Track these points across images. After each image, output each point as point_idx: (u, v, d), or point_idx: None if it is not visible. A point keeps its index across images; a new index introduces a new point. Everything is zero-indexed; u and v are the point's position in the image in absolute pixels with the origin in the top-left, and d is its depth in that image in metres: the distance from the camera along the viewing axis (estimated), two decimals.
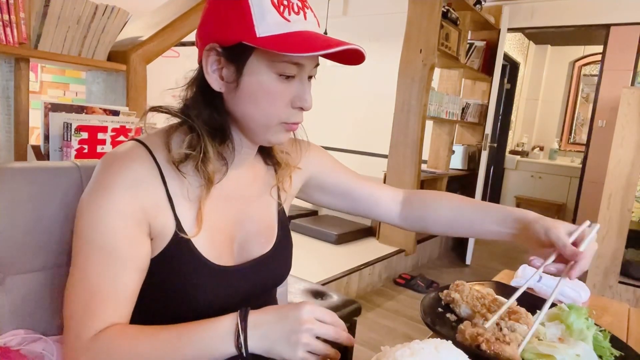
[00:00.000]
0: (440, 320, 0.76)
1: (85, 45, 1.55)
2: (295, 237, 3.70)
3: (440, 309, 0.80)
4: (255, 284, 0.72)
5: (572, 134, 5.56)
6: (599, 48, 3.96)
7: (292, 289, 1.66)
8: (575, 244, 0.69)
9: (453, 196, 0.88)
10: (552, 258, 0.70)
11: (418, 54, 3.15)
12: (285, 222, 0.79)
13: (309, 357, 0.56)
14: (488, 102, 3.83)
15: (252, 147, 0.71)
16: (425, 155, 3.66)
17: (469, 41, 3.87)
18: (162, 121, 0.68)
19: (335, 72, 4.40)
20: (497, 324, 0.67)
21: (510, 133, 5.45)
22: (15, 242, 0.69)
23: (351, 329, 1.61)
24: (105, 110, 1.29)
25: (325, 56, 0.60)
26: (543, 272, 0.71)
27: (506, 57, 4.64)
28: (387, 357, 0.51)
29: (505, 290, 0.89)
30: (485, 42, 3.94)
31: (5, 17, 1.31)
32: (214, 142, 0.65)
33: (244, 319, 0.57)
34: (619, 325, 0.95)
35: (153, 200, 0.61)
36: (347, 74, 4.42)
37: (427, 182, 3.67)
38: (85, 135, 1.18)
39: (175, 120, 0.67)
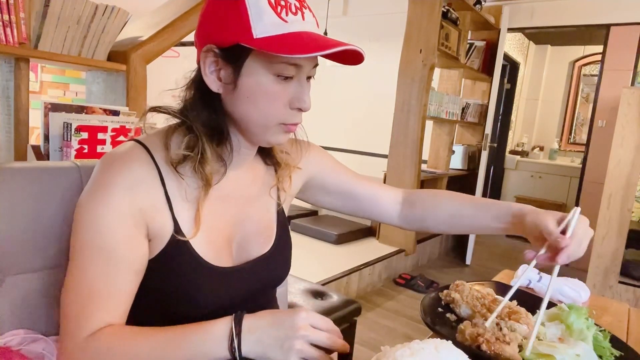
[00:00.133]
0: (440, 320, 0.76)
1: (85, 45, 1.55)
2: (295, 237, 3.68)
3: (440, 309, 0.80)
4: (254, 284, 0.72)
5: (572, 134, 5.56)
6: (599, 48, 3.96)
7: (292, 289, 1.66)
8: (564, 232, 0.69)
9: (452, 194, 0.88)
10: (543, 249, 0.70)
11: (418, 54, 3.15)
12: (284, 222, 0.79)
13: None
14: (488, 102, 3.83)
15: (251, 147, 0.71)
16: (425, 155, 3.66)
17: (469, 41, 3.87)
18: (162, 121, 0.68)
19: (335, 72, 4.40)
20: (497, 324, 0.67)
21: (510, 133, 5.45)
22: (16, 242, 0.69)
23: (351, 329, 1.61)
24: (105, 110, 1.29)
25: (324, 56, 0.60)
26: (537, 262, 0.70)
27: (506, 57, 4.64)
28: (387, 357, 0.51)
29: (505, 290, 0.88)
30: (485, 42, 3.94)
31: (5, 17, 1.31)
32: (212, 143, 0.64)
33: (238, 323, 0.57)
34: (619, 325, 0.95)
35: (151, 202, 0.61)
36: (347, 74, 4.42)
37: (427, 182, 3.66)
38: (85, 135, 1.18)
39: (175, 121, 0.67)
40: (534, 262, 0.70)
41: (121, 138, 1.26)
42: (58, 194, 0.71)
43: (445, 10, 3.24)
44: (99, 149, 1.22)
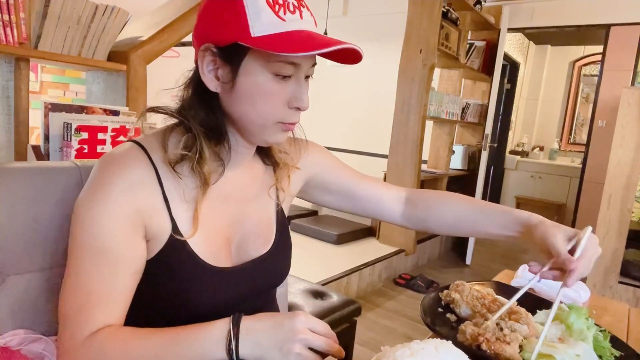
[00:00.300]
0: (440, 320, 0.76)
1: (85, 45, 1.55)
2: (295, 237, 3.68)
3: (440, 309, 0.80)
4: (254, 284, 0.72)
5: (572, 134, 5.56)
6: (599, 48, 3.96)
7: (292, 289, 1.66)
8: (573, 250, 0.68)
9: (456, 197, 0.87)
10: (550, 264, 0.69)
11: (418, 54, 3.15)
12: (284, 223, 0.79)
13: None
14: (488, 102, 3.83)
15: (249, 147, 0.70)
16: (425, 155, 3.67)
17: (469, 41, 3.87)
18: (161, 121, 0.68)
19: (335, 72, 4.40)
20: (497, 324, 0.67)
21: (510, 133, 5.45)
22: (16, 242, 0.69)
23: (351, 329, 1.61)
24: (105, 110, 1.29)
25: (322, 55, 0.60)
26: (541, 277, 0.70)
27: (506, 57, 4.64)
28: (387, 357, 0.51)
29: (505, 290, 0.89)
30: (485, 42, 3.94)
31: (5, 17, 1.31)
32: (210, 142, 0.64)
33: (236, 325, 0.57)
34: (619, 325, 0.95)
35: (149, 203, 0.61)
36: (347, 74, 4.42)
37: (427, 182, 3.66)
38: (85, 135, 1.18)
39: (173, 120, 0.67)
40: (537, 276, 0.70)
41: (121, 138, 1.26)
42: (58, 194, 0.71)
43: (445, 10, 3.24)
44: (99, 149, 1.22)
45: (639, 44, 3.45)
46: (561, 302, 0.82)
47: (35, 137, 1.51)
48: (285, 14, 0.58)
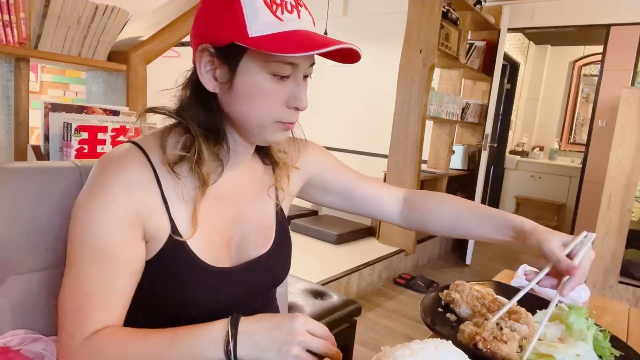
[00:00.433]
0: (440, 320, 0.76)
1: (85, 45, 1.55)
2: (295, 237, 3.68)
3: (440, 309, 0.80)
4: (253, 285, 0.72)
5: (572, 134, 5.56)
6: (599, 48, 3.96)
7: (292, 289, 1.66)
8: (570, 255, 0.68)
9: (453, 199, 0.87)
10: (546, 271, 0.69)
11: (418, 54, 3.15)
12: (283, 222, 0.79)
13: None
14: (488, 102, 3.83)
15: (248, 147, 0.70)
16: (425, 155, 3.67)
17: (469, 41, 3.87)
18: (161, 121, 0.68)
19: (335, 72, 4.40)
20: (497, 324, 0.67)
21: (510, 133, 5.45)
22: (16, 242, 0.69)
23: (351, 329, 1.61)
24: (105, 110, 1.29)
25: (320, 55, 0.60)
26: (540, 286, 0.70)
27: (506, 57, 4.64)
28: (387, 357, 0.51)
29: (505, 290, 0.89)
30: (485, 42, 3.94)
31: (5, 17, 1.31)
32: (209, 143, 0.64)
33: (234, 326, 0.57)
34: (619, 325, 0.95)
35: (148, 203, 0.61)
36: (347, 74, 4.42)
37: (427, 182, 3.66)
38: (85, 135, 1.18)
39: (172, 121, 0.66)
40: (534, 283, 0.69)
41: (121, 138, 1.26)
42: (58, 194, 0.71)
43: (445, 10, 3.24)
44: (99, 149, 1.22)
45: (639, 44, 3.45)
46: (561, 302, 0.82)
47: (35, 137, 1.51)
48: (283, 13, 0.58)
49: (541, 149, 5.57)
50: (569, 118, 5.53)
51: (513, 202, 5.33)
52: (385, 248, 3.30)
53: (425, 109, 3.18)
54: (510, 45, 4.89)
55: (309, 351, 0.57)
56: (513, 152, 5.50)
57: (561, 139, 5.58)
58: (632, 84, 3.47)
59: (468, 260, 3.77)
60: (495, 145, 4.94)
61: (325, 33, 3.44)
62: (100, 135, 1.22)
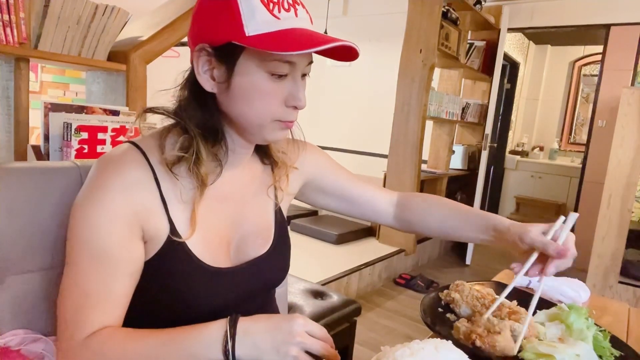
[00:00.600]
0: (440, 320, 0.76)
1: (85, 45, 1.55)
2: (295, 237, 3.68)
3: (440, 309, 0.80)
4: (253, 285, 0.72)
5: (572, 134, 5.56)
6: (599, 48, 3.96)
7: (292, 289, 1.66)
8: (553, 240, 0.69)
9: (442, 202, 0.89)
10: (533, 259, 0.69)
11: (418, 54, 3.15)
12: (282, 222, 0.79)
13: None
14: (488, 102, 3.83)
15: (247, 147, 0.70)
16: (425, 155, 3.66)
17: (469, 41, 3.87)
18: (160, 121, 0.68)
19: (335, 72, 4.40)
20: (488, 320, 0.68)
21: (510, 133, 5.45)
22: (15, 242, 0.69)
23: (351, 329, 1.61)
24: (105, 110, 1.29)
25: (318, 53, 0.59)
26: (529, 276, 0.70)
27: (506, 57, 4.64)
28: (387, 357, 0.51)
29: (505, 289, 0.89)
30: (485, 42, 3.94)
31: (5, 17, 1.31)
32: (207, 143, 0.64)
33: (233, 326, 0.57)
34: (619, 325, 0.95)
35: (147, 204, 0.61)
36: (347, 73, 4.42)
37: (427, 182, 3.66)
38: (85, 135, 1.18)
39: (171, 121, 0.66)
40: (521, 274, 0.70)
41: (121, 138, 1.26)
42: (58, 194, 0.71)
43: (445, 10, 3.24)
44: (99, 149, 1.22)
45: (639, 44, 3.45)
46: (561, 302, 0.82)
47: (35, 137, 1.51)
48: (280, 12, 0.58)
49: (541, 149, 5.57)
50: (569, 118, 5.53)
51: (513, 202, 5.33)
52: (385, 248, 3.30)
53: (425, 109, 3.18)
54: (510, 45, 4.88)
55: (307, 352, 0.57)
56: (513, 152, 5.50)
57: (561, 139, 5.58)
58: (632, 84, 3.47)
59: (468, 260, 3.77)
60: (495, 145, 4.94)
61: (325, 33, 3.43)
62: (100, 135, 1.22)
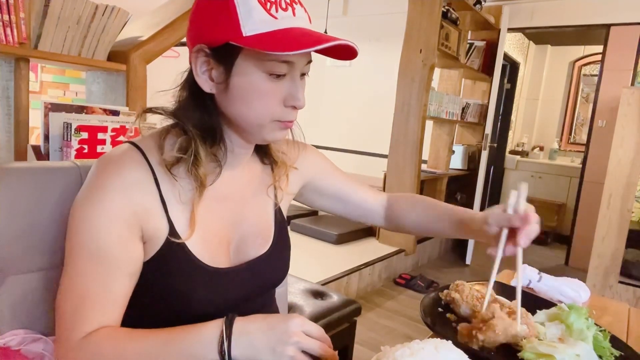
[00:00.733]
0: (440, 320, 0.76)
1: (85, 45, 1.55)
2: (295, 237, 3.68)
3: (440, 309, 0.80)
4: (252, 285, 0.72)
5: (572, 134, 5.55)
6: (599, 48, 3.96)
7: (292, 289, 1.66)
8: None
9: (425, 201, 0.90)
10: (504, 238, 0.70)
11: (418, 54, 3.15)
12: (282, 222, 0.79)
13: None
14: (488, 102, 3.83)
15: (246, 147, 0.70)
16: (425, 155, 3.66)
17: (469, 41, 3.87)
18: (160, 121, 0.68)
19: (335, 72, 4.40)
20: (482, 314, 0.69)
21: (510, 133, 5.45)
22: (16, 242, 0.69)
23: (351, 329, 1.61)
24: (105, 110, 1.29)
25: (317, 52, 0.59)
26: (505, 254, 0.70)
27: (506, 57, 4.64)
28: (387, 357, 0.51)
29: (506, 290, 0.89)
30: (485, 42, 3.94)
31: (5, 17, 1.31)
32: (206, 144, 0.64)
33: (229, 326, 0.57)
34: (619, 325, 0.95)
35: (146, 204, 0.61)
36: (347, 74, 4.42)
37: (427, 182, 3.66)
38: (85, 135, 1.18)
39: (171, 121, 0.66)
40: (499, 256, 0.70)
41: (121, 138, 1.26)
42: (58, 194, 0.71)
43: (445, 10, 3.24)
44: (99, 149, 1.22)
45: (639, 44, 3.45)
46: (561, 302, 0.82)
47: (35, 137, 1.51)
48: (277, 11, 0.58)
49: (541, 149, 5.57)
50: (569, 118, 5.53)
51: None
52: (385, 248, 3.30)
53: (425, 109, 3.18)
54: (510, 45, 4.88)
55: (305, 353, 0.57)
56: (513, 152, 5.50)
57: (561, 139, 5.57)
58: (632, 84, 3.47)
59: (468, 260, 3.77)
60: (495, 145, 4.94)
61: (325, 33, 3.43)
62: (100, 135, 1.22)
